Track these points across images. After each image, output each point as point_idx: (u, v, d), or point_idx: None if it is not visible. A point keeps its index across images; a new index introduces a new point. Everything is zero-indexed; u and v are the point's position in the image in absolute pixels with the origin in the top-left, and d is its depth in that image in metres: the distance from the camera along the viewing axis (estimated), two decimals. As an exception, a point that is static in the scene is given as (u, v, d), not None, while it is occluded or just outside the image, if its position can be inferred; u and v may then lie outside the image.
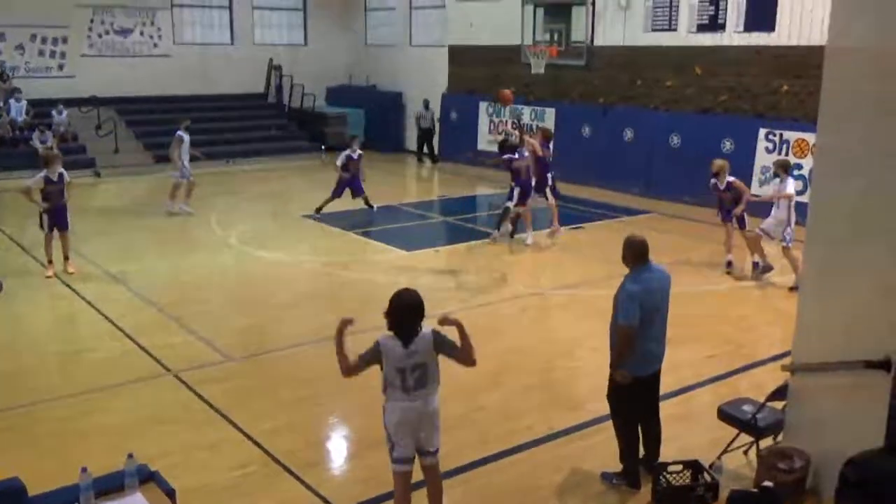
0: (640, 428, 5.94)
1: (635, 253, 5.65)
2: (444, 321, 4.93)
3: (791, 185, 10.77)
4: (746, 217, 11.18)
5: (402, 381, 4.90)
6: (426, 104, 22.24)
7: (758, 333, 9.29)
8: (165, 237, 13.70)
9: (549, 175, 13.48)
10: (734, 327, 9.49)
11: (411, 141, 23.97)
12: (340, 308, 10.02)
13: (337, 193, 15.03)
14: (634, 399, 5.78)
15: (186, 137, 15.35)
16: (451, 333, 4.94)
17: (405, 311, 4.87)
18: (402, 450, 5.01)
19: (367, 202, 15.40)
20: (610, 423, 6.01)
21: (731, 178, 11.20)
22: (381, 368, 4.94)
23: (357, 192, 15.20)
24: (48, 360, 8.42)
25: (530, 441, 6.62)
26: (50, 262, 11.18)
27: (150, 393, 7.59)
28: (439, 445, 5.13)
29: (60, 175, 11.20)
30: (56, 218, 11.10)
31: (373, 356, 4.92)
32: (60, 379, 7.87)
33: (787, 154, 14.80)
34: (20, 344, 8.99)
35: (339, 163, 15.13)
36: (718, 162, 11.40)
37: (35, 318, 9.82)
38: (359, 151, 15.24)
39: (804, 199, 13.72)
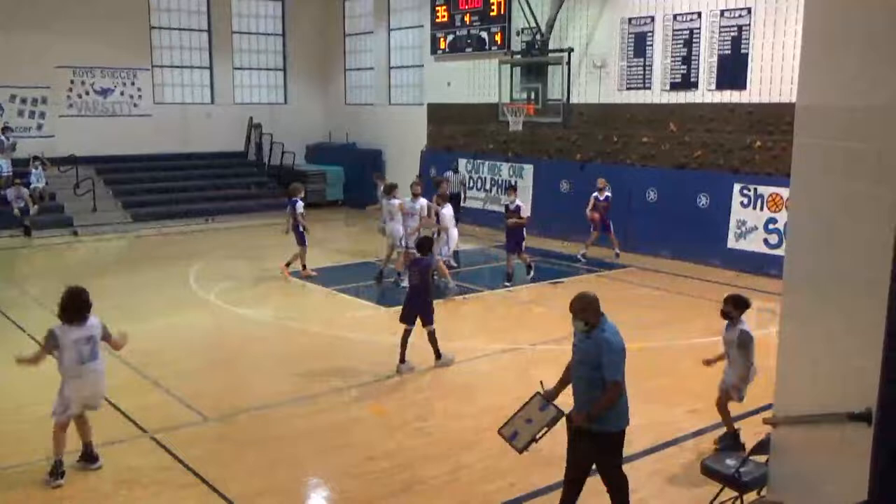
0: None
1: (596, 306, 5.70)
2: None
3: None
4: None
5: (79, 355, 6.70)
6: (455, 167, 20.42)
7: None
8: (144, 295, 13.58)
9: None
10: (713, 381, 9.46)
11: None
12: (318, 366, 9.97)
13: None
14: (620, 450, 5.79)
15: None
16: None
17: (80, 303, 6.78)
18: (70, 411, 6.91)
19: None
20: (593, 479, 5.94)
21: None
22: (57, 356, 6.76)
23: None
24: (21, 423, 8.23)
25: (512, 499, 6.54)
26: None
27: (125, 455, 7.43)
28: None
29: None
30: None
31: (51, 343, 6.70)
32: (33, 442, 7.68)
33: (762, 209, 15.00)
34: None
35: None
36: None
37: (8, 380, 9.62)
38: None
39: (780, 252, 14.02)
